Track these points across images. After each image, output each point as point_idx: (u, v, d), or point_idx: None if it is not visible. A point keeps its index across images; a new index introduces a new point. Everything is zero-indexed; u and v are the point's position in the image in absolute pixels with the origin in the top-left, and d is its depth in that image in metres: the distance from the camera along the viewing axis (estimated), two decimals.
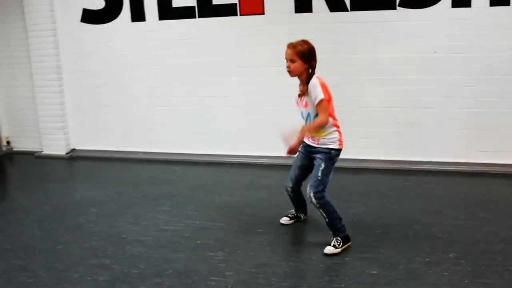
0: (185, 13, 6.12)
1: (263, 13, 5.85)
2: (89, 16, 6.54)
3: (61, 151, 6.99)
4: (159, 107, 6.53)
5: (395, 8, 5.45)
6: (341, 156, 5.22)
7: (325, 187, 3.75)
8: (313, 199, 3.71)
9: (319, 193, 3.71)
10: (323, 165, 3.74)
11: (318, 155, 3.80)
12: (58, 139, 7.00)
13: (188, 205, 4.84)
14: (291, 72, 3.84)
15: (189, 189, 5.33)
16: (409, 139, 5.73)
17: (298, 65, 3.79)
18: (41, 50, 6.73)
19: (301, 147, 4.02)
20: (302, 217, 4.34)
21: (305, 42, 3.83)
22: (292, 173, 4.11)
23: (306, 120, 3.95)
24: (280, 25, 5.79)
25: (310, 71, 3.83)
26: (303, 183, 4.08)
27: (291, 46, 3.81)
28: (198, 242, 4.02)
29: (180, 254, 3.82)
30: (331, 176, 3.79)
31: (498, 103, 5.41)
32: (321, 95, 3.67)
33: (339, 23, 5.65)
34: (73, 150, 7.07)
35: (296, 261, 3.69)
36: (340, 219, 3.79)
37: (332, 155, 3.79)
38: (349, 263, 3.60)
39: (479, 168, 5.51)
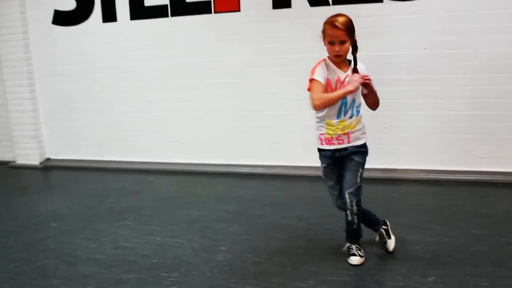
0: (158, 12, 5.71)
1: (238, 10, 5.41)
2: (61, 18, 6.17)
3: (35, 161, 6.61)
4: (134, 113, 6.12)
5: (381, 1, 4.97)
6: (309, 164, 4.77)
7: (361, 189, 3.28)
8: (355, 208, 3.26)
9: (360, 201, 3.27)
10: (361, 169, 3.23)
11: (355, 157, 3.23)
12: (31, 148, 6.62)
13: (153, 219, 4.43)
14: (341, 57, 3.12)
15: (157, 202, 4.91)
16: (399, 145, 5.22)
17: (348, 45, 3.09)
18: (12, 54, 6.37)
19: (325, 159, 3.37)
20: (383, 234, 3.51)
21: (343, 15, 3.12)
22: (333, 191, 3.44)
23: (344, 112, 3.18)
24: (257, 22, 5.35)
25: (353, 48, 3.14)
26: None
27: (339, 24, 3.02)
28: (155, 261, 3.61)
29: (132, 274, 3.42)
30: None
31: (498, 105, 4.89)
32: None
33: (320, 19, 5.14)
34: (48, 159, 6.69)
35: (254, 284, 3.21)
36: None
37: (367, 150, 3.27)
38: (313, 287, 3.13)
39: (478, 177, 4.98)
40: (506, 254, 3.40)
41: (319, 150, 3.37)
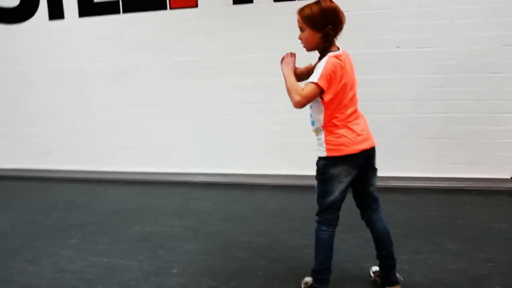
0: (108, 8, 5.26)
1: (196, 6, 5.00)
2: (3, 15, 5.65)
3: None
4: (83, 118, 5.64)
5: None
6: (271, 172, 4.35)
7: (322, 212, 2.76)
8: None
9: (316, 221, 2.81)
10: (316, 183, 2.78)
11: None
12: None
13: (101, 237, 3.98)
14: (305, 47, 2.76)
15: (107, 216, 4.46)
16: None
17: (307, 34, 2.69)
18: None
19: None
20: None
21: (318, 2, 2.68)
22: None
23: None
24: (215, 19, 4.96)
25: (325, 42, 2.67)
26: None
27: (298, 10, 2.73)
28: (99, 287, 3.18)
29: None
30: (332, 197, 2.70)
31: (473, 107, 4.62)
32: (315, 78, 2.57)
33: (284, 15, 4.82)
34: None
35: None
36: (328, 270, 2.81)
37: (318, 166, 2.73)
38: None
39: (451, 184, 4.71)
40: (485, 272, 3.09)
41: None
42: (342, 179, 2.67)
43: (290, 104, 5.05)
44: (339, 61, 2.58)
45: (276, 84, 5.07)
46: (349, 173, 2.68)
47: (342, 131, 2.63)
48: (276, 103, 4.92)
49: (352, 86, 2.65)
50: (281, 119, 4.98)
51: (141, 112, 5.39)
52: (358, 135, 2.64)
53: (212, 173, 5.23)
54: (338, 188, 2.68)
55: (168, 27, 5.13)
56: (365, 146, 2.66)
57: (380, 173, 4.70)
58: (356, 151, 2.63)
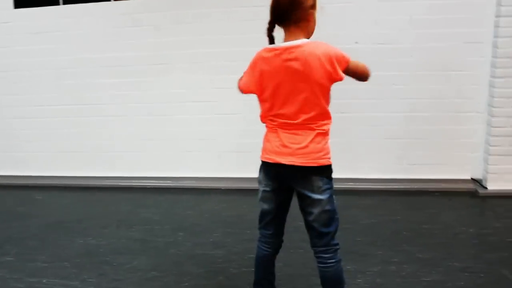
0: None
1: None
2: None
3: None
4: (20, 119, 5.15)
5: None
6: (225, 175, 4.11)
7: (259, 223, 2.54)
8: None
9: None
10: None
11: None
12: None
13: (40, 252, 3.57)
14: None
15: (47, 228, 4.03)
16: None
17: None
18: None
19: None
20: None
21: None
22: None
23: None
24: (162, 11, 4.59)
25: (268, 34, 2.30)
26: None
27: None
28: None
29: None
30: (260, 205, 2.50)
31: (434, 105, 4.47)
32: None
33: (238, 7, 4.52)
34: None
35: None
36: None
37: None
38: None
39: (413, 186, 4.54)
40: (462, 283, 2.90)
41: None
42: (263, 187, 2.41)
43: (244, 102, 4.78)
44: (261, 55, 2.26)
45: (230, 81, 4.81)
46: (267, 183, 2.38)
47: (270, 135, 2.34)
48: (230, 102, 4.61)
49: (294, 90, 2.17)
50: (236, 119, 4.68)
51: (83, 112, 4.96)
52: (283, 146, 2.24)
53: (162, 177, 4.87)
54: (261, 196, 2.44)
55: (111, 20, 4.72)
56: (280, 159, 2.24)
57: (339, 175, 4.53)
58: (268, 160, 2.32)
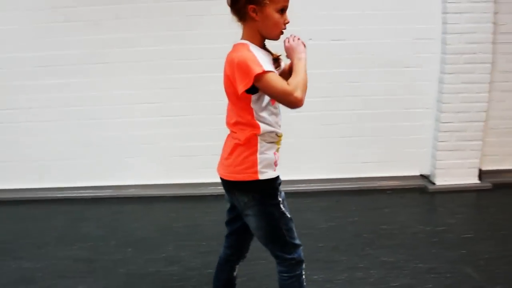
0: None
1: None
2: None
3: None
4: None
5: None
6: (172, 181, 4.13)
7: None
8: None
9: None
10: None
11: None
12: None
13: None
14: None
15: None
16: None
17: None
18: None
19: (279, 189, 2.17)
20: None
21: None
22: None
23: None
24: (101, 5, 4.19)
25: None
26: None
27: None
28: None
29: None
30: None
31: (387, 102, 4.40)
32: None
33: (183, 2, 4.23)
34: None
35: None
36: None
37: None
38: None
39: (366, 184, 4.47)
40: (431, 286, 2.83)
41: (272, 180, 2.07)
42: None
43: (192, 103, 4.48)
44: None
45: (175, 81, 4.41)
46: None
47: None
48: (176, 103, 4.33)
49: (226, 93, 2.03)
50: (183, 121, 4.40)
51: (11, 118, 4.47)
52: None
53: (102, 185, 4.49)
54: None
55: (42, 15, 4.25)
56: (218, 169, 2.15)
57: (292, 176, 4.40)
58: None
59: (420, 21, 4.22)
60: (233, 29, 2.04)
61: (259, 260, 3.00)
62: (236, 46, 1.97)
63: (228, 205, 2.25)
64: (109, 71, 4.33)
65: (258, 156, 1.99)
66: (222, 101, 2.11)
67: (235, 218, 2.22)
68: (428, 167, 4.55)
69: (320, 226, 3.71)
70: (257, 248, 2.30)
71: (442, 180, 4.41)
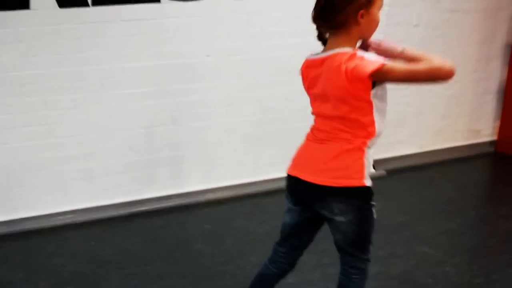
0: None
1: None
2: None
3: None
4: None
5: (158, 1, 3.95)
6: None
7: None
8: None
9: None
10: None
11: None
12: None
13: None
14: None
15: None
16: (180, 166, 4.37)
17: None
18: None
19: None
20: None
21: None
22: None
23: None
24: None
25: None
26: None
27: None
28: None
29: None
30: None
31: (283, 106, 4.55)
32: None
33: (72, 24, 3.81)
34: None
35: None
36: None
37: None
38: None
39: (270, 186, 4.48)
40: (403, 268, 3.00)
41: (369, 188, 2.02)
42: (287, 198, 2.21)
43: (87, 122, 4.06)
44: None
45: (62, 102, 3.96)
46: (289, 196, 2.20)
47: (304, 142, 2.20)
48: (65, 123, 3.91)
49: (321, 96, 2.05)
50: (74, 142, 4.00)
51: None
52: (298, 154, 2.20)
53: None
54: (286, 206, 2.22)
55: None
56: (293, 171, 2.16)
57: (205, 186, 4.31)
58: (288, 172, 2.19)
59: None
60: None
61: None
62: (341, 55, 1.89)
63: (293, 221, 2.15)
64: None
65: (365, 160, 1.94)
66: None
67: (306, 229, 2.14)
68: None
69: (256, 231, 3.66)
70: None
71: None
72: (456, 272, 3.03)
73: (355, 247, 2.10)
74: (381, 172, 4.77)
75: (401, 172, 4.81)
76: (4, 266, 3.27)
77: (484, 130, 5.65)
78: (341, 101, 1.92)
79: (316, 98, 2.09)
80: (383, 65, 1.79)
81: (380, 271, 3.01)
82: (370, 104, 1.89)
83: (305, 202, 2.10)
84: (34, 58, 3.76)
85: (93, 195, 4.08)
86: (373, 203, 2.04)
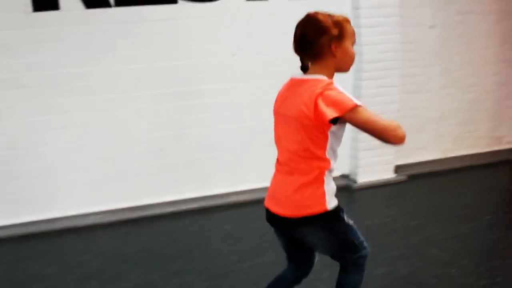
0: None
1: None
2: None
3: None
4: None
5: (175, 2, 4.19)
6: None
7: None
8: None
9: None
10: None
11: None
12: None
13: None
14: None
15: None
16: (204, 169, 4.59)
17: None
18: None
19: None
20: None
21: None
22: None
23: None
24: (12, 29, 3.87)
25: None
26: None
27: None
28: None
29: None
30: None
31: None
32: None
33: (99, 25, 4.08)
34: None
35: None
36: None
37: None
38: None
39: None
40: (410, 269, 3.12)
41: (338, 209, 2.15)
42: None
43: (119, 126, 4.33)
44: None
45: (100, 102, 4.21)
46: (269, 224, 2.31)
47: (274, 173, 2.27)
48: (103, 127, 4.19)
49: (286, 117, 2.13)
50: (112, 143, 4.27)
51: None
52: (270, 186, 2.24)
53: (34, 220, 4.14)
54: None
55: None
56: (266, 204, 2.23)
57: (219, 189, 4.54)
58: (264, 203, 2.26)
59: None
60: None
61: None
62: (315, 81, 2.02)
63: (283, 244, 2.33)
64: (25, 95, 4.01)
65: (325, 187, 2.07)
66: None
67: (300, 247, 2.29)
68: (347, 167, 4.91)
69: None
70: None
71: (364, 178, 4.80)
72: (462, 274, 3.11)
73: (341, 252, 2.24)
74: (402, 177, 4.88)
75: (421, 178, 4.91)
76: (39, 260, 3.60)
77: (506, 137, 5.66)
78: (301, 126, 2.01)
79: (280, 119, 2.16)
80: (357, 106, 1.92)
81: (387, 272, 3.14)
82: (326, 137, 2.01)
83: (281, 229, 2.26)
84: (65, 57, 4.03)
85: (123, 196, 4.38)
86: (340, 212, 2.15)
